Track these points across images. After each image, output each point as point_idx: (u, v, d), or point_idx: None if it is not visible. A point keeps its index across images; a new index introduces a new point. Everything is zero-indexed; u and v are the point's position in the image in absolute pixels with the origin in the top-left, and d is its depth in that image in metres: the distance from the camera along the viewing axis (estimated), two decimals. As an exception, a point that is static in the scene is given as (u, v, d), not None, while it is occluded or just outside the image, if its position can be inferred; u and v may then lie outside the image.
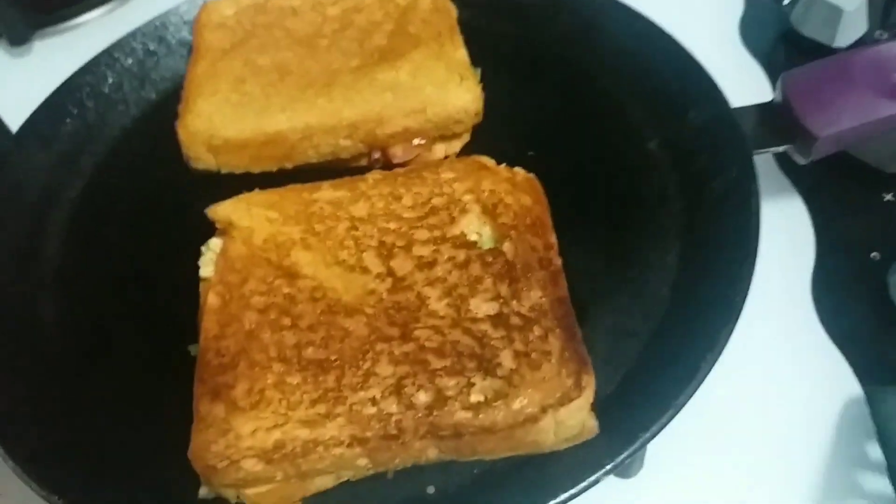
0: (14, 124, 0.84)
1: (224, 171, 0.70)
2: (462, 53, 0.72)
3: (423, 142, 0.69)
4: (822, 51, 0.85)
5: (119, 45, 0.83)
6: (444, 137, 0.70)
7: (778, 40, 0.90)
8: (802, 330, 0.67)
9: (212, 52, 0.76)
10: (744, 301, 0.55)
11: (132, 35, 0.84)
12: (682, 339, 0.56)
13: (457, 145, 0.71)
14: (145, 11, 0.87)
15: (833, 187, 0.75)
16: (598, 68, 0.77)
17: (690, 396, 0.51)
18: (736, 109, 0.67)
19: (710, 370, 0.52)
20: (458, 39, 0.74)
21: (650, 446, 0.51)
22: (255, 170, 0.70)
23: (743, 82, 0.84)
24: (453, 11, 0.77)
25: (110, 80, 0.82)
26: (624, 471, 0.60)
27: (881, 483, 0.57)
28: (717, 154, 0.65)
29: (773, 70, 0.87)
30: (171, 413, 0.52)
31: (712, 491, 0.59)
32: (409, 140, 0.69)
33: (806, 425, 0.61)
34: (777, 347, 0.65)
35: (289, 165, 0.70)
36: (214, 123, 0.69)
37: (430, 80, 0.69)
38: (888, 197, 0.73)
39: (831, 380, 0.64)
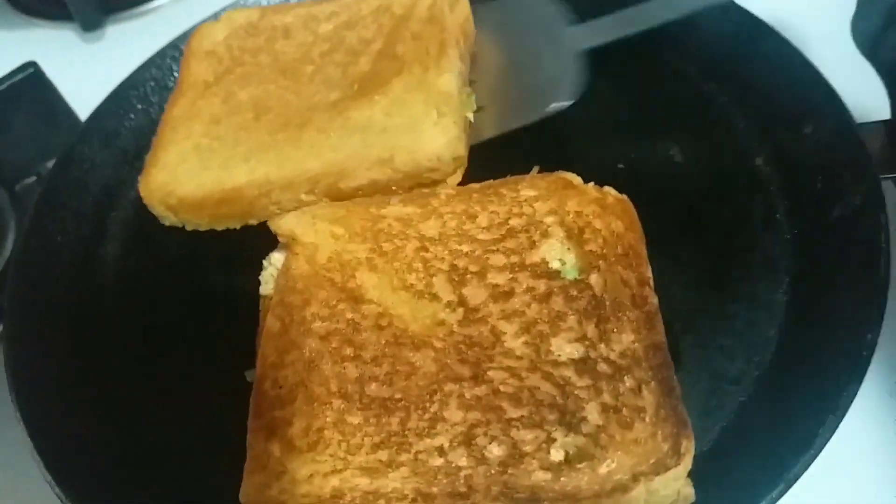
0: (87, 111, 0.83)
1: (189, 228, 0.65)
2: (446, 80, 0.63)
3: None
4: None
5: (184, 37, 0.80)
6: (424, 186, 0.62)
7: (893, 38, 0.79)
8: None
9: (194, 88, 0.71)
10: (871, 356, 0.48)
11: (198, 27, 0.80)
12: (793, 396, 0.49)
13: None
14: (217, -4, 0.84)
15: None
16: (701, 72, 0.70)
17: (805, 468, 0.44)
18: (861, 126, 0.59)
19: (829, 438, 0.45)
20: (446, 60, 0.64)
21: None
22: (219, 227, 0.65)
23: (857, 89, 0.75)
24: (453, 19, 0.69)
25: (176, 74, 0.79)
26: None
27: None
28: (837, 176, 0.58)
29: (890, 75, 0.77)
30: (223, 443, 0.49)
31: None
32: (378, 193, 0.61)
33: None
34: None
35: (253, 222, 0.64)
36: (176, 177, 0.64)
37: (403, 118, 0.62)
38: None
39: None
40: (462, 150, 0.62)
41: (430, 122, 0.61)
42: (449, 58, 0.65)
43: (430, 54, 0.65)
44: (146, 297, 0.64)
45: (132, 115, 0.76)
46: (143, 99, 0.77)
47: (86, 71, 0.94)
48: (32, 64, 0.91)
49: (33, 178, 0.84)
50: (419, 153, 0.60)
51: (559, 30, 0.70)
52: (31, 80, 0.89)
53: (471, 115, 0.65)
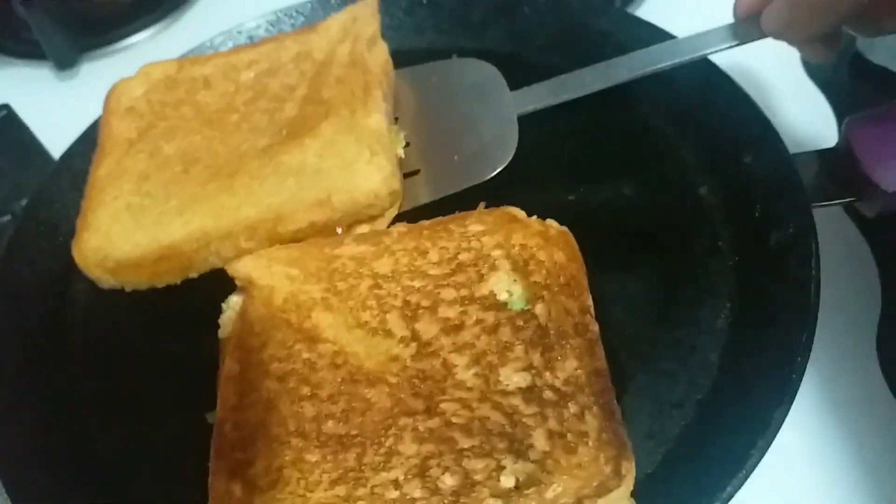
0: (61, 149, 0.85)
1: (129, 289, 0.65)
2: (375, 120, 0.65)
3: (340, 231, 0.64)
4: (892, 80, 0.79)
5: (153, 79, 0.81)
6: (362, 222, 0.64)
7: (845, 68, 0.83)
8: (867, 386, 0.61)
9: (118, 146, 0.71)
10: (800, 379, 0.50)
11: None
12: (730, 418, 0.52)
13: (381, 223, 0.64)
14: (192, 33, 0.87)
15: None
16: (646, 104, 0.73)
17: (738, 488, 0.47)
18: (796, 156, 0.62)
19: (761, 458, 0.48)
20: (373, 101, 0.66)
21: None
22: (160, 285, 0.65)
23: (806, 116, 0.78)
24: (373, 61, 0.70)
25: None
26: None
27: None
28: (773, 205, 0.61)
29: (839, 102, 0.81)
30: (186, 484, 0.50)
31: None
32: (317, 234, 0.63)
33: (874, 489, 0.56)
34: (841, 405, 0.60)
35: (194, 275, 0.65)
36: (110, 240, 0.64)
37: (336, 160, 0.63)
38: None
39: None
40: (397, 185, 0.64)
41: (364, 161, 0.63)
42: (375, 98, 0.66)
43: (356, 96, 0.67)
44: (112, 338, 0.65)
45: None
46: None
47: (60, 109, 0.95)
48: (5, 106, 0.92)
49: (8, 217, 0.85)
50: (356, 192, 0.62)
51: (499, 94, 0.71)
52: (4, 121, 0.91)
53: (401, 151, 0.67)
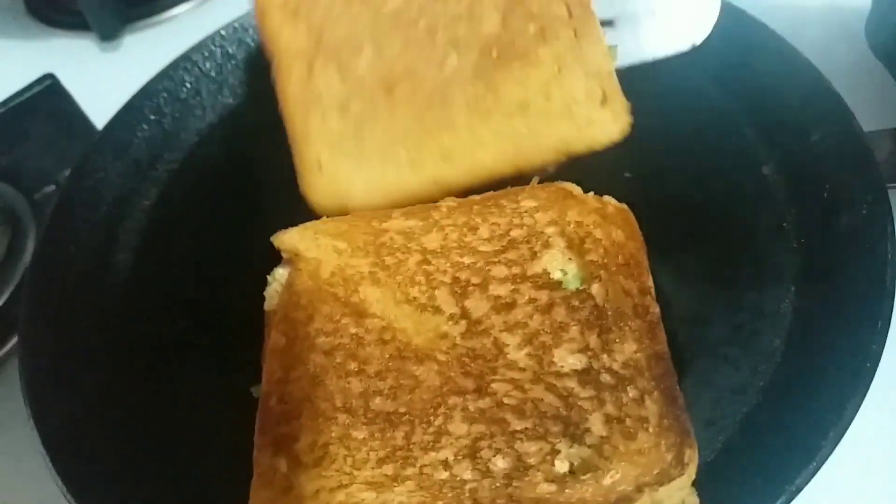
0: (103, 120, 0.84)
1: None
2: (604, 55, 0.57)
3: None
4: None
5: (198, 49, 0.81)
6: None
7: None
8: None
9: (296, 59, 0.60)
10: (875, 368, 0.47)
11: (211, 38, 0.81)
12: (797, 407, 0.49)
13: None
14: (235, 4, 0.85)
15: None
16: (710, 81, 0.70)
17: (808, 481, 0.44)
18: (868, 133, 0.58)
19: (832, 450, 0.45)
20: (593, 21, 0.57)
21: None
22: None
23: (870, 93, 0.74)
24: None
25: (188, 85, 0.80)
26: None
27: None
28: (843, 185, 0.57)
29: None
30: (229, 457, 0.49)
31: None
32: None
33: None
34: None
35: None
36: (342, 185, 0.58)
37: (565, 100, 0.56)
38: None
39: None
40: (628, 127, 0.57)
41: (597, 106, 0.56)
42: (593, 17, 0.58)
43: (574, 13, 0.57)
44: (154, 309, 0.64)
45: (145, 126, 0.77)
46: (156, 110, 0.78)
47: (102, 80, 0.95)
48: (50, 76, 0.92)
49: (52, 187, 0.85)
50: (594, 144, 0.57)
51: None
52: (50, 91, 0.91)
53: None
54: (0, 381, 0.71)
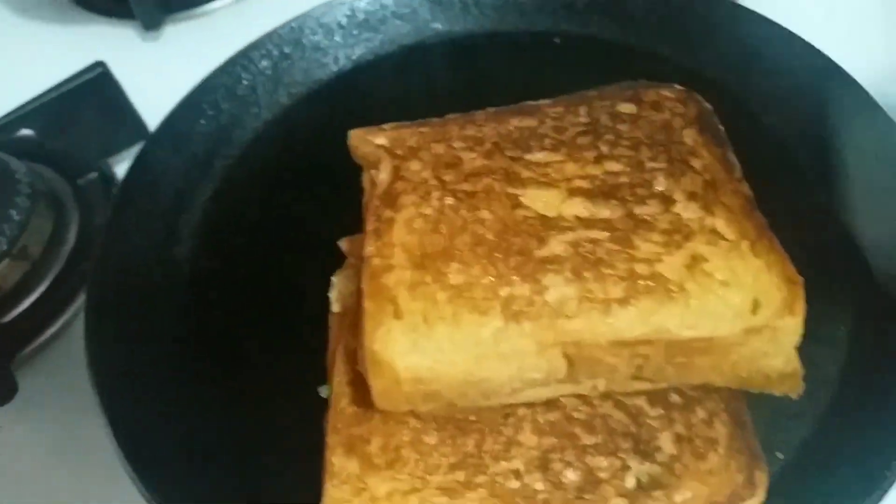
0: (147, 111, 0.85)
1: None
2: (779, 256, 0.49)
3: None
4: None
5: (255, 46, 0.81)
6: None
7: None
8: None
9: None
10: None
11: (268, 36, 0.82)
12: (857, 434, 0.50)
13: None
14: (276, 1, 0.86)
15: None
16: (763, 103, 0.71)
17: (873, 510, 0.46)
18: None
19: (895, 480, 0.46)
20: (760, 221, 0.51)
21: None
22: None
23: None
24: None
25: (245, 82, 0.80)
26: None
27: None
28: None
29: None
30: (295, 458, 0.51)
31: None
32: None
33: None
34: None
35: None
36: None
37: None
38: None
39: None
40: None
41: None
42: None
43: (730, 206, 0.50)
44: (217, 306, 0.65)
45: (202, 121, 0.77)
46: (214, 105, 0.78)
47: (145, 70, 0.96)
48: (101, 64, 0.94)
49: (95, 174, 0.86)
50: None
51: None
52: (100, 79, 0.93)
53: None
54: (46, 360, 0.72)
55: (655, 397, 0.49)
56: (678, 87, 0.61)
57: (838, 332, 0.57)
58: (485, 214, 0.51)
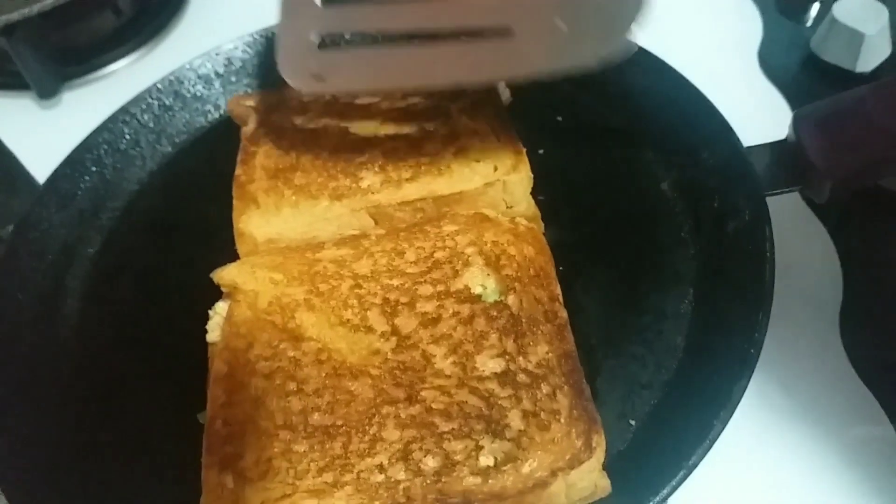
0: (45, 174, 0.86)
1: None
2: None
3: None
4: (844, 76, 0.83)
5: (136, 102, 0.84)
6: None
7: (799, 66, 0.88)
8: (831, 368, 0.64)
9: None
10: (758, 354, 0.53)
11: (148, 91, 0.85)
12: (694, 394, 0.55)
13: None
14: (172, 59, 0.89)
15: (860, 221, 0.72)
16: (608, 107, 0.77)
17: (702, 457, 0.50)
18: (749, 149, 0.65)
19: (723, 428, 0.51)
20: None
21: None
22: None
23: (763, 112, 0.83)
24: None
25: (127, 136, 0.83)
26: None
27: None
28: (729, 196, 0.64)
29: (794, 98, 0.85)
30: (179, 482, 0.53)
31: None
32: None
33: (834, 467, 0.59)
34: (805, 386, 0.63)
35: None
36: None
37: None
38: (918, 230, 0.71)
39: (861, 419, 0.61)
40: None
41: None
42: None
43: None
44: (105, 350, 0.67)
45: (87, 178, 0.80)
46: (97, 161, 0.81)
47: (43, 137, 0.98)
48: (-10, 137, 0.95)
49: (-8, 244, 0.87)
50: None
51: None
52: (-9, 152, 0.94)
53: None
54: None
55: (506, 379, 0.53)
56: None
57: (682, 307, 0.62)
58: (323, 141, 0.71)
